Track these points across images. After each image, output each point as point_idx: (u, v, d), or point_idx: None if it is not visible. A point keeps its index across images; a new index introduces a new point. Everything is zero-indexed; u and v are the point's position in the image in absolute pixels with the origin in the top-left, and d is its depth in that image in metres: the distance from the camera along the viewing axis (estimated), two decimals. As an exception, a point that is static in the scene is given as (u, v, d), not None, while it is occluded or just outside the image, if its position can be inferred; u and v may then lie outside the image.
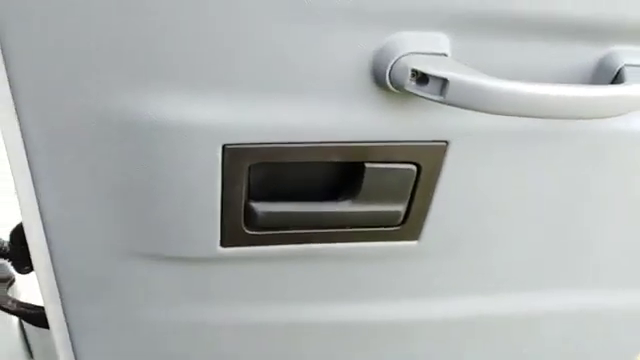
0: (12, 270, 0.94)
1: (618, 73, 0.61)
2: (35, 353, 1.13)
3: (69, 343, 0.79)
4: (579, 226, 0.77)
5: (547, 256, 0.79)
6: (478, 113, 0.62)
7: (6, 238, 0.88)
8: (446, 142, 0.64)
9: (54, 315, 0.76)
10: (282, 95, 0.57)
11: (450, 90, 0.53)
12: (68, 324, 0.76)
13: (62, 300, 0.73)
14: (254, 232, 0.67)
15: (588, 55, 0.61)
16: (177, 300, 0.74)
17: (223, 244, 0.67)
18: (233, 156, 0.60)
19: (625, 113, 0.59)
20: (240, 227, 0.66)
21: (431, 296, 0.81)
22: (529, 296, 0.84)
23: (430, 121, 0.62)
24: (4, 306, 0.89)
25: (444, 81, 0.53)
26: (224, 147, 0.59)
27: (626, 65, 0.60)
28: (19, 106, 0.56)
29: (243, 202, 0.65)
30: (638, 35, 0.60)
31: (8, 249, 0.86)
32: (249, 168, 0.64)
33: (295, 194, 0.67)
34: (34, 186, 0.62)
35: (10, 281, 0.93)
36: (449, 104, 0.54)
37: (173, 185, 0.62)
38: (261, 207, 0.65)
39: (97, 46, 0.52)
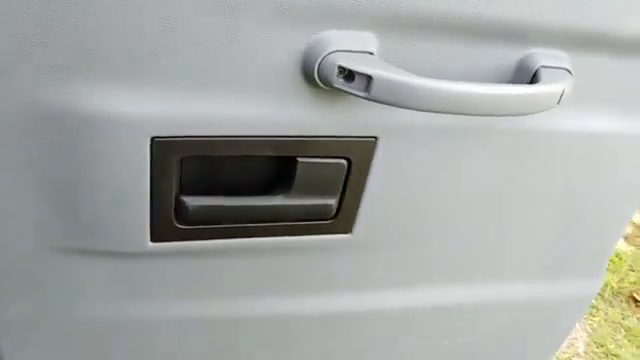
0: None
1: (535, 74, 0.64)
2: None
3: None
4: (504, 219, 0.81)
5: (475, 249, 0.83)
6: (406, 110, 0.65)
7: None
8: (375, 137, 0.66)
9: None
10: (211, 88, 0.58)
11: (375, 87, 0.55)
12: None
13: None
14: (185, 226, 0.67)
15: (508, 56, 0.65)
16: (110, 297, 0.73)
17: (153, 239, 0.67)
18: (162, 149, 0.60)
19: (541, 111, 0.63)
20: (171, 221, 0.66)
21: (365, 288, 0.83)
22: (461, 287, 0.88)
23: (360, 117, 0.64)
24: None
25: (369, 78, 0.55)
26: (153, 140, 0.59)
27: (542, 66, 0.64)
28: None
29: (174, 196, 0.64)
30: (553, 38, 0.64)
31: None
32: (181, 161, 0.64)
33: (228, 188, 0.67)
34: None
35: None
36: (374, 101, 0.56)
37: (101, 179, 0.61)
38: (192, 201, 0.65)
39: (19, 37, 0.51)
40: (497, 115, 0.63)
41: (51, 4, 0.49)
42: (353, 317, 0.88)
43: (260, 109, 0.60)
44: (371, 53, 0.59)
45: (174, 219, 0.66)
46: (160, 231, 0.67)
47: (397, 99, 0.56)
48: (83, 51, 0.53)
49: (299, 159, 0.65)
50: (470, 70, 0.64)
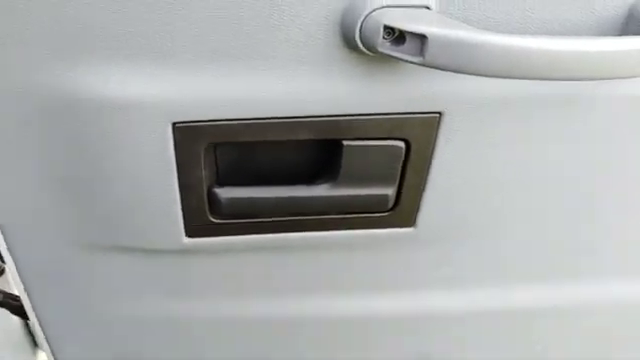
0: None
1: None
2: (39, 342, 1.12)
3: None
4: (596, 208, 0.65)
5: (562, 243, 0.68)
6: (475, 77, 0.52)
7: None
8: (439, 113, 0.54)
9: (27, 307, 0.72)
10: (238, 64, 0.49)
11: (430, 49, 0.43)
12: (37, 316, 0.71)
13: (28, 293, 0.68)
14: (220, 220, 0.60)
15: (612, 3, 0.50)
16: (144, 294, 0.69)
17: (188, 234, 0.60)
18: (185, 135, 0.52)
19: None
20: (205, 215, 0.59)
21: (431, 288, 0.72)
22: (543, 287, 0.74)
23: (418, 89, 0.53)
24: (-10, 297, 0.86)
25: (422, 38, 0.43)
26: (174, 125, 0.52)
27: None
28: None
29: (205, 187, 0.57)
30: None
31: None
32: (214, 149, 0.57)
33: (266, 178, 0.59)
34: None
35: (0, 271, 0.91)
36: (431, 66, 0.45)
37: (125, 171, 0.55)
38: (225, 193, 0.58)
39: (32, 22, 0.45)
40: (602, 78, 0.48)
41: None
42: (418, 320, 0.77)
43: (295, 85, 0.51)
44: (427, 7, 0.47)
45: (208, 213, 0.59)
46: (194, 226, 0.60)
47: (459, 62, 0.44)
48: (97, 33, 0.46)
49: (345, 142, 0.55)
50: (559, 23, 0.50)
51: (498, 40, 0.42)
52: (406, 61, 0.45)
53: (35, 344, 1.12)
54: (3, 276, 0.93)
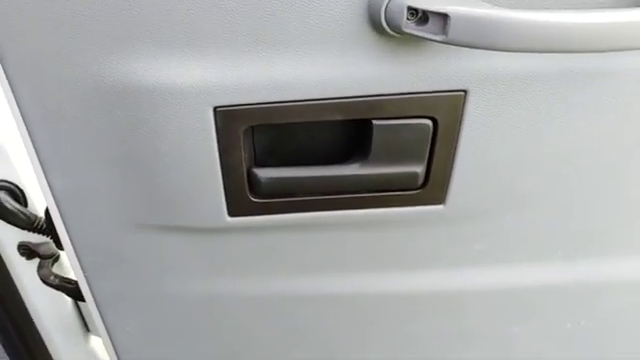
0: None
1: None
2: (91, 327, 1.18)
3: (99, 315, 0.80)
4: (623, 182, 0.66)
5: (594, 218, 0.69)
6: (500, 54, 0.55)
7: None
8: (464, 91, 0.57)
9: (84, 288, 0.78)
10: (271, 49, 0.53)
11: (453, 27, 0.46)
12: (94, 297, 0.77)
13: (85, 275, 0.74)
14: (260, 200, 0.63)
15: None
16: (192, 272, 0.73)
17: (231, 213, 0.65)
18: (226, 119, 0.56)
19: None
20: (245, 195, 0.63)
21: (463, 265, 0.74)
22: (573, 264, 0.74)
23: (444, 67, 0.55)
24: (47, 281, 0.92)
25: (445, 17, 0.46)
26: (215, 109, 0.56)
27: None
28: (15, 88, 0.56)
29: (245, 168, 0.61)
30: None
31: (44, 226, 0.88)
32: (251, 130, 0.61)
33: (302, 158, 0.63)
34: (42, 168, 0.62)
35: (55, 257, 0.97)
36: (454, 44, 0.47)
37: (170, 154, 0.59)
38: (264, 173, 0.61)
39: (71, 10, 0.50)
40: (627, 49, 0.49)
41: None
42: (450, 297, 0.79)
43: (325, 68, 0.54)
44: (450, -12, 0.50)
45: (248, 193, 0.63)
46: (236, 205, 0.64)
47: (482, 39, 0.46)
48: (136, 22, 0.51)
49: (374, 122, 0.58)
50: None
51: (518, 15, 0.44)
52: (430, 40, 0.48)
53: (87, 329, 1.19)
54: (58, 263, 0.99)
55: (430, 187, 0.64)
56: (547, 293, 0.79)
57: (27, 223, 0.88)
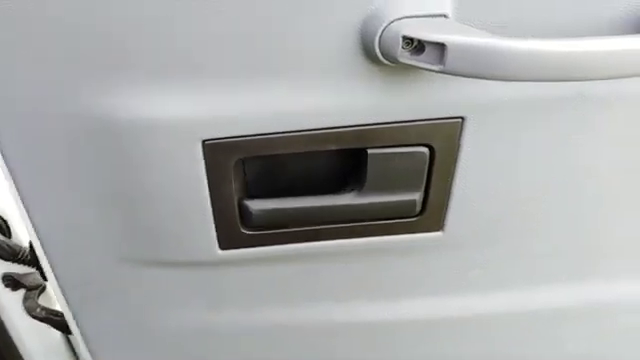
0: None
1: None
2: (81, 358, 1.15)
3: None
4: (623, 208, 0.65)
5: (589, 244, 0.68)
6: (496, 82, 0.53)
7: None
8: (461, 118, 0.55)
9: (70, 322, 0.75)
10: (263, 80, 0.51)
11: (450, 57, 0.44)
12: (81, 332, 0.74)
13: (70, 308, 0.71)
14: (252, 232, 0.61)
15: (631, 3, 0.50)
16: (184, 306, 0.70)
17: (222, 246, 0.62)
18: (215, 152, 0.54)
19: None
20: (237, 227, 0.61)
21: (460, 292, 0.72)
22: (571, 288, 0.73)
23: (440, 95, 0.53)
24: (33, 313, 0.89)
25: (441, 46, 0.44)
26: (204, 142, 0.54)
27: None
28: None
29: (236, 201, 0.59)
30: None
31: (29, 257, 0.85)
32: (242, 163, 0.59)
33: (294, 188, 0.61)
34: (22, 199, 0.60)
35: (40, 288, 0.94)
36: (452, 74, 0.45)
37: (158, 187, 0.57)
38: (255, 205, 0.59)
39: (61, 44, 0.48)
40: (623, 77, 0.48)
41: (86, 8, 0.46)
42: (447, 323, 0.77)
43: (318, 98, 0.52)
44: (445, 16, 0.48)
45: (240, 225, 0.61)
46: (227, 238, 0.62)
47: (479, 69, 0.44)
48: (121, 54, 0.49)
49: (369, 150, 0.56)
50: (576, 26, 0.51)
51: (515, 45, 0.43)
52: (426, 70, 0.46)
53: (76, 359, 1.15)
54: (45, 293, 0.96)
55: (428, 214, 0.62)
56: (545, 317, 0.78)
57: (11, 254, 0.85)
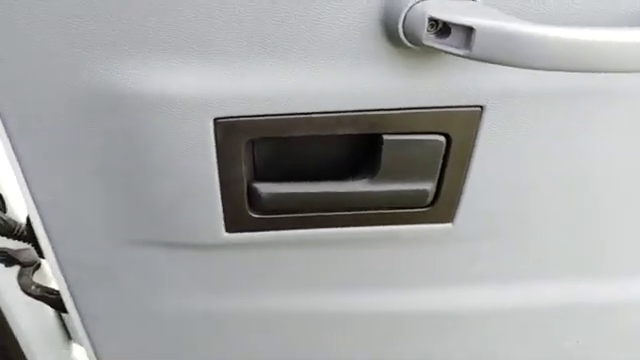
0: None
1: None
2: (73, 335, 1.14)
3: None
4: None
5: (603, 239, 0.67)
6: (518, 70, 0.51)
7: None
8: (481, 107, 0.53)
9: (67, 301, 0.73)
10: (278, 58, 0.49)
11: (477, 41, 0.42)
12: (79, 311, 0.72)
13: (69, 287, 0.69)
14: (260, 215, 0.60)
15: None
16: (186, 289, 0.69)
17: (228, 229, 0.61)
18: (226, 131, 0.52)
19: None
20: (244, 210, 0.59)
21: (468, 284, 0.71)
22: (581, 284, 0.72)
23: (460, 82, 0.52)
24: (28, 290, 0.88)
25: (469, 30, 0.42)
26: (216, 121, 0.52)
27: None
28: None
29: (245, 183, 0.57)
30: None
31: (25, 233, 0.83)
32: (252, 143, 0.57)
33: (305, 173, 0.59)
34: (24, 175, 0.58)
35: (36, 265, 0.92)
36: (477, 59, 0.44)
37: (166, 166, 0.55)
38: (265, 188, 0.58)
39: (69, 16, 0.46)
40: None
41: None
42: (452, 315, 0.76)
43: (335, 79, 0.50)
44: (472, -2, 0.46)
45: (248, 208, 0.59)
46: (234, 221, 0.60)
47: (508, 55, 0.43)
48: (135, 26, 0.46)
49: (385, 137, 0.54)
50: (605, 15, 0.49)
51: (548, 32, 0.41)
52: (451, 54, 0.44)
53: (69, 337, 1.14)
54: (40, 270, 0.94)
55: (439, 205, 0.61)
56: (549, 312, 0.77)
57: (6, 229, 0.83)
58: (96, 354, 0.81)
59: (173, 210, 0.59)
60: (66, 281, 0.69)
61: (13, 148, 0.55)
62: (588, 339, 0.82)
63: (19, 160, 0.56)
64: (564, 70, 0.43)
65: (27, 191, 0.60)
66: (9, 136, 0.54)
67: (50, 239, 0.64)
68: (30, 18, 0.46)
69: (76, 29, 0.47)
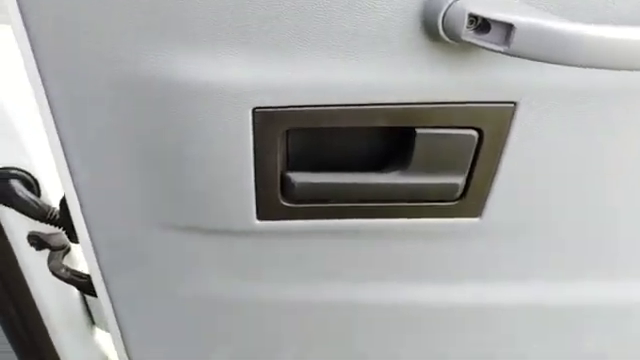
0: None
1: None
2: (97, 320, 1.16)
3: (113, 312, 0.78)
4: None
5: (635, 238, 0.67)
6: (553, 67, 0.52)
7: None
8: (514, 103, 0.54)
9: (98, 284, 0.75)
10: (316, 49, 0.50)
11: (517, 38, 0.43)
12: (109, 294, 0.74)
13: (101, 270, 0.71)
14: (291, 204, 0.61)
15: None
16: (216, 275, 0.71)
17: (260, 217, 0.62)
18: (264, 120, 0.54)
19: None
20: (276, 199, 0.61)
21: (493, 280, 0.72)
22: (609, 284, 0.73)
23: (494, 78, 0.53)
24: (57, 273, 0.90)
25: (509, 27, 0.43)
26: (254, 111, 0.53)
27: None
28: (45, 79, 0.53)
29: (279, 172, 0.59)
30: None
31: (57, 217, 0.85)
32: (286, 134, 0.58)
33: (339, 163, 0.60)
34: (65, 158, 0.59)
35: (66, 249, 0.94)
36: (516, 55, 0.45)
37: (203, 153, 0.57)
38: (298, 177, 0.59)
39: (116, 6, 0.48)
40: None
41: None
42: (477, 311, 0.77)
43: (372, 72, 0.52)
44: (511, -4, 0.47)
45: (280, 196, 0.61)
46: (266, 209, 0.62)
47: (547, 52, 0.44)
48: (178, 14, 0.48)
49: (418, 130, 0.56)
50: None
51: (587, 30, 0.42)
52: (490, 50, 0.45)
53: (92, 322, 1.16)
54: (69, 255, 0.96)
55: (468, 199, 0.62)
56: (567, 312, 0.78)
57: (40, 214, 0.86)
58: (123, 338, 0.83)
59: (208, 196, 0.61)
60: (98, 264, 0.71)
61: (58, 131, 0.57)
62: (607, 339, 0.83)
63: (63, 144, 0.58)
64: (601, 67, 0.44)
65: (67, 175, 0.62)
66: (55, 119, 0.56)
67: (86, 221, 0.66)
68: (81, 4, 0.48)
69: (123, 9, 0.48)
